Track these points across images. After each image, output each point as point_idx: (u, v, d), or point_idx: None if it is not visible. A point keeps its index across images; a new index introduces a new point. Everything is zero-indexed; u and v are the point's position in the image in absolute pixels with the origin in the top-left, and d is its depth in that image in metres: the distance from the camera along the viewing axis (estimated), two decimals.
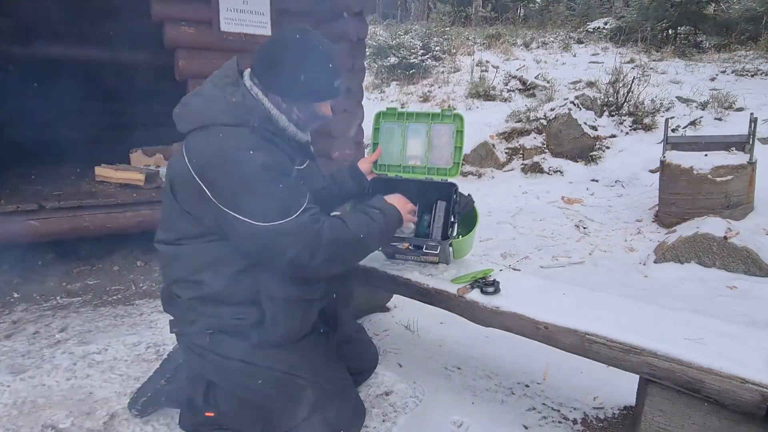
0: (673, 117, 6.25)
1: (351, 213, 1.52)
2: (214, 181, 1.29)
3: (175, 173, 1.38)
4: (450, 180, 1.83)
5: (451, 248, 1.84)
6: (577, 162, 6.20)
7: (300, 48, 1.39)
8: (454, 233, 1.79)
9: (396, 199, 1.62)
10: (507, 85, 8.31)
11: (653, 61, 8.83)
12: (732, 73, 7.85)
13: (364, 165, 1.85)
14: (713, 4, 10.02)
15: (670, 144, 4.33)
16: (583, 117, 6.45)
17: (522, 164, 6.34)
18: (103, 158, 3.72)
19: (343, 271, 1.53)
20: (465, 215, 1.85)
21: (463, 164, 1.91)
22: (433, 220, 1.85)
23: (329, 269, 1.42)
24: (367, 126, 3.64)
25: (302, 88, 1.41)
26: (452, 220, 1.77)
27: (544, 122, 6.56)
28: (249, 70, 1.46)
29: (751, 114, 4.09)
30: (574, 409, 1.77)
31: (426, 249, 1.75)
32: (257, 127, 1.33)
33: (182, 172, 1.34)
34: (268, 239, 1.30)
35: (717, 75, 7.86)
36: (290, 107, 1.44)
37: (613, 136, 6.48)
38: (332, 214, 1.55)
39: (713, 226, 3.27)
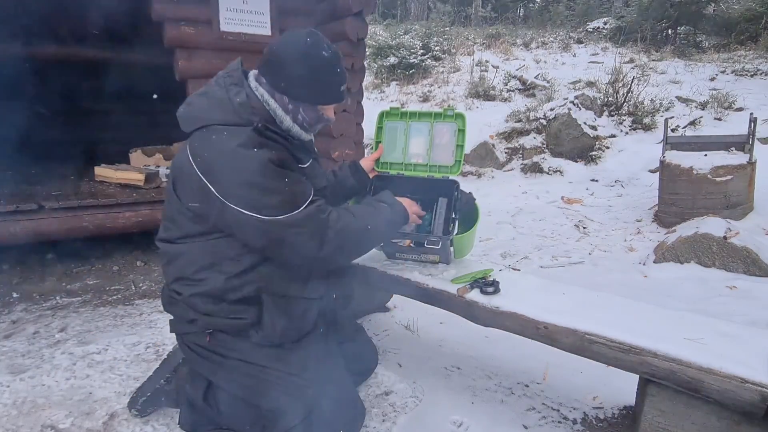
0: (672, 117, 6.25)
1: (357, 206, 1.54)
2: (219, 179, 1.30)
3: (179, 172, 1.39)
4: (451, 177, 1.84)
5: (452, 247, 1.85)
6: (577, 162, 6.20)
7: (309, 51, 1.41)
8: (455, 230, 1.79)
9: (404, 199, 1.67)
10: (507, 85, 8.31)
11: (653, 61, 8.83)
12: (732, 73, 7.85)
13: (366, 163, 1.87)
14: (713, 4, 10.01)
15: (669, 144, 4.33)
16: (583, 117, 6.44)
17: (522, 164, 6.33)
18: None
19: (351, 261, 1.58)
20: (466, 213, 1.85)
21: (463, 164, 1.91)
22: (435, 217, 1.85)
23: (338, 259, 1.46)
24: (367, 126, 3.64)
25: (310, 90, 1.44)
26: (453, 216, 1.78)
27: (544, 122, 6.56)
28: (255, 71, 1.47)
29: (751, 114, 4.09)
30: (574, 409, 1.77)
31: (427, 244, 1.75)
32: (260, 127, 1.34)
33: (186, 170, 1.35)
34: (277, 233, 1.31)
35: (717, 75, 7.86)
36: (296, 108, 1.46)
37: (613, 136, 6.48)
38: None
39: (713, 226, 3.27)
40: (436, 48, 9.99)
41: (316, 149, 1.64)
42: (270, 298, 1.42)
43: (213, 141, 1.32)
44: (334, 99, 1.51)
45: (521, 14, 16.13)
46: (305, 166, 1.50)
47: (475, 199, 1.86)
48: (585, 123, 6.36)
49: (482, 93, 8.06)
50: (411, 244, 1.79)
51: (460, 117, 1.86)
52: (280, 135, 1.40)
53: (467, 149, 6.32)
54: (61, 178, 3.67)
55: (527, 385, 1.90)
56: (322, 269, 1.50)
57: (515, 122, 6.88)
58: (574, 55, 9.75)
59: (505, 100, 7.93)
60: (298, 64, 1.40)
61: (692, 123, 6.23)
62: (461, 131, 1.85)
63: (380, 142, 1.95)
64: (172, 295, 1.48)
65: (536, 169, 6.15)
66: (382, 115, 1.97)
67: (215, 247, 1.39)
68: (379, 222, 1.51)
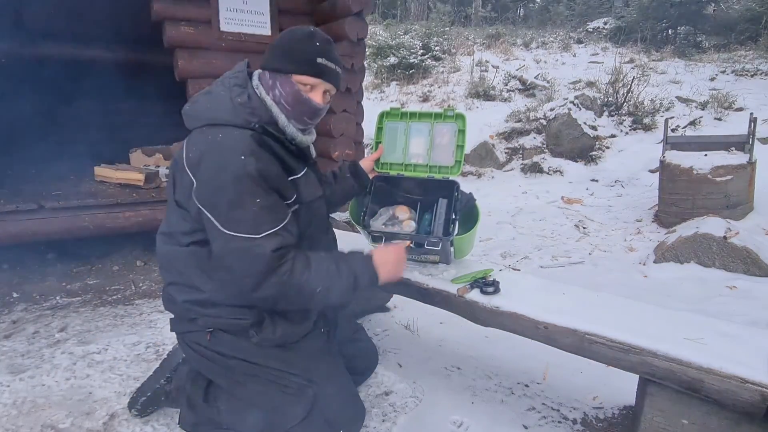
0: (672, 117, 6.26)
1: (324, 260, 1.38)
2: (201, 177, 1.30)
3: (175, 167, 1.41)
4: (451, 178, 1.84)
5: (452, 247, 1.84)
6: (577, 162, 6.20)
7: (294, 29, 1.43)
8: (456, 231, 1.79)
9: (389, 255, 1.48)
10: (507, 85, 8.31)
11: (653, 61, 8.83)
12: (732, 73, 7.86)
13: (366, 163, 1.86)
14: (713, 4, 10.02)
15: (669, 144, 4.33)
16: (583, 117, 6.44)
17: (522, 164, 6.33)
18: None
19: (297, 308, 1.46)
20: (466, 214, 1.85)
21: (463, 164, 1.91)
22: (435, 218, 1.85)
23: (269, 305, 1.38)
24: (367, 126, 3.64)
25: (283, 57, 1.40)
26: (454, 217, 1.78)
27: (544, 122, 6.56)
28: (259, 71, 1.47)
29: (751, 114, 4.09)
30: (574, 408, 1.77)
31: (427, 245, 1.75)
32: (259, 129, 1.34)
33: (179, 164, 1.37)
34: (225, 248, 1.28)
35: (717, 75, 7.87)
36: (274, 84, 1.41)
37: (613, 136, 6.49)
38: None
39: (713, 226, 3.27)
40: (436, 48, 9.99)
41: (314, 154, 1.62)
42: None
43: (208, 140, 1.32)
44: (308, 69, 1.39)
45: (521, 14, 16.13)
46: (298, 176, 1.44)
47: (475, 200, 1.85)
48: (585, 123, 6.36)
49: (482, 93, 8.06)
50: (411, 245, 1.78)
51: (460, 117, 1.85)
52: (277, 139, 1.39)
53: (467, 149, 6.32)
54: (61, 178, 3.66)
55: (527, 385, 1.90)
56: (247, 303, 1.40)
57: (515, 122, 6.88)
58: (574, 55, 9.75)
59: (505, 100, 7.93)
60: (280, 38, 1.43)
61: (692, 123, 6.23)
62: (461, 132, 1.85)
63: (380, 142, 1.94)
64: (171, 296, 1.48)
65: (536, 169, 6.15)
66: (382, 116, 1.96)
67: (206, 253, 1.38)
68: (334, 289, 1.36)
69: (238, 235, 1.26)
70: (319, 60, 1.40)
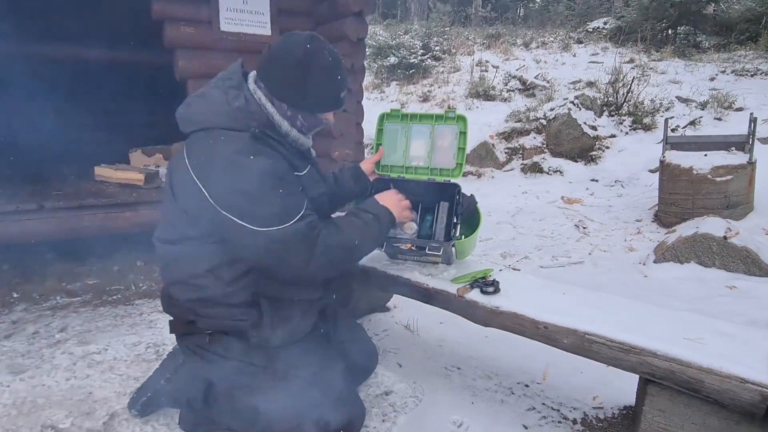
0: (672, 117, 6.25)
1: (346, 218, 1.53)
2: (213, 184, 1.29)
3: (176, 173, 1.39)
4: (453, 181, 1.83)
5: (454, 249, 1.84)
6: (577, 162, 6.19)
7: (310, 58, 1.39)
8: (457, 234, 1.79)
9: (389, 198, 1.64)
10: (507, 85, 8.30)
11: (653, 61, 8.83)
12: (731, 73, 7.85)
13: (366, 166, 1.86)
14: (713, 4, 10.01)
15: (669, 144, 4.33)
16: (583, 117, 6.44)
17: (522, 164, 6.33)
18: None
19: (340, 274, 1.55)
20: (467, 215, 1.84)
21: (464, 166, 1.90)
22: (436, 221, 1.84)
23: (325, 274, 1.45)
24: (367, 126, 3.64)
25: (310, 98, 1.43)
26: (455, 221, 1.77)
27: (544, 122, 6.56)
28: (254, 72, 1.46)
29: (751, 114, 4.08)
30: (574, 408, 1.77)
31: (429, 250, 1.75)
32: (258, 132, 1.34)
33: (182, 172, 1.34)
34: (265, 244, 1.30)
35: (716, 75, 7.86)
36: (295, 115, 1.45)
37: (613, 136, 6.48)
38: (333, 215, 1.55)
39: (713, 226, 3.27)
40: (436, 48, 9.99)
41: (314, 153, 1.63)
42: (268, 302, 1.42)
43: (210, 145, 1.32)
44: (334, 106, 1.51)
45: (521, 14, 16.13)
46: (302, 173, 1.48)
47: (476, 203, 1.85)
48: (585, 123, 6.36)
49: (482, 93, 8.06)
50: (412, 248, 1.78)
51: (461, 119, 1.84)
52: (278, 141, 1.39)
53: (467, 149, 6.32)
54: (61, 178, 3.66)
55: (527, 385, 1.90)
56: (310, 282, 1.49)
57: (515, 122, 6.87)
58: (574, 55, 9.74)
59: (505, 100, 7.93)
60: (299, 72, 1.39)
61: (692, 123, 6.22)
62: (463, 133, 1.83)
63: (380, 144, 1.93)
64: (171, 297, 1.48)
65: (536, 169, 6.15)
66: (383, 117, 1.95)
67: (212, 253, 1.38)
68: (367, 236, 1.50)
69: (272, 230, 1.29)
70: (342, 94, 1.49)
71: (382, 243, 1.75)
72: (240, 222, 1.28)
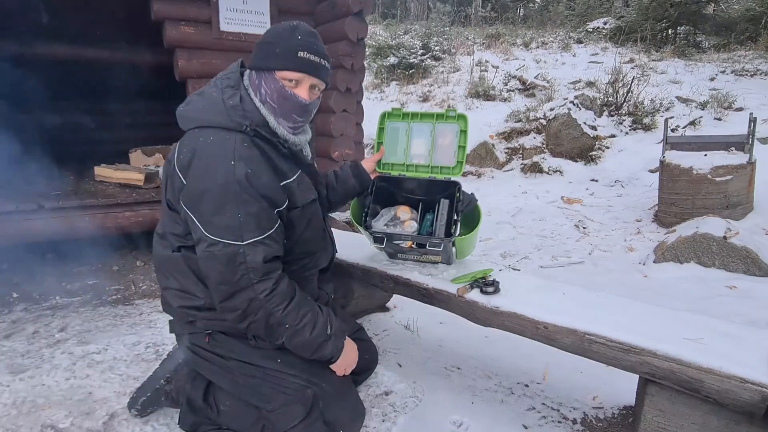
0: (672, 117, 6.25)
1: (309, 303, 1.40)
2: (190, 180, 1.31)
3: (168, 168, 1.42)
4: (453, 178, 1.84)
5: (454, 248, 1.84)
6: (577, 162, 6.19)
7: (277, 24, 1.42)
8: (458, 231, 1.79)
9: (350, 348, 1.52)
10: (507, 85, 8.30)
11: (653, 61, 8.82)
12: (731, 73, 7.85)
13: (367, 164, 1.86)
14: (713, 4, 10.02)
15: (669, 144, 4.33)
16: (583, 117, 6.44)
17: (522, 164, 6.33)
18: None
19: (256, 333, 1.39)
20: (468, 215, 1.85)
21: (465, 165, 1.91)
22: (437, 219, 1.84)
23: (236, 321, 1.33)
24: (367, 125, 3.64)
25: (266, 53, 1.37)
26: (456, 218, 1.77)
27: (544, 122, 6.56)
28: (248, 71, 1.47)
29: (751, 114, 4.08)
30: (574, 408, 1.77)
31: (429, 246, 1.75)
32: (251, 131, 1.33)
33: (171, 166, 1.37)
34: (206, 252, 1.28)
35: (716, 75, 7.86)
36: (260, 82, 1.38)
37: (613, 136, 6.48)
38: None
39: (713, 226, 3.27)
40: (436, 48, 9.99)
41: (311, 157, 1.57)
42: None
43: (198, 142, 1.32)
44: (290, 63, 1.35)
45: (521, 14, 16.13)
46: (290, 180, 1.41)
47: (477, 201, 1.85)
48: (585, 123, 6.36)
49: (482, 93, 8.06)
50: (413, 246, 1.78)
51: (462, 118, 1.85)
52: (270, 142, 1.38)
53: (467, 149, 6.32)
54: (61, 178, 3.66)
55: (527, 385, 1.90)
56: (222, 314, 1.36)
57: (515, 122, 6.87)
58: (574, 55, 9.74)
59: (505, 100, 7.93)
60: (263, 35, 1.42)
61: (692, 123, 6.22)
62: (463, 132, 1.85)
63: (382, 143, 1.94)
64: (167, 299, 1.49)
65: (536, 169, 6.15)
66: (384, 116, 1.96)
67: (196, 262, 1.37)
68: (301, 337, 1.35)
69: (221, 241, 1.26)
70: (301, 54, 1.35)
71: (299, 352, 1.43)
72: (195, 221, 1.29)
